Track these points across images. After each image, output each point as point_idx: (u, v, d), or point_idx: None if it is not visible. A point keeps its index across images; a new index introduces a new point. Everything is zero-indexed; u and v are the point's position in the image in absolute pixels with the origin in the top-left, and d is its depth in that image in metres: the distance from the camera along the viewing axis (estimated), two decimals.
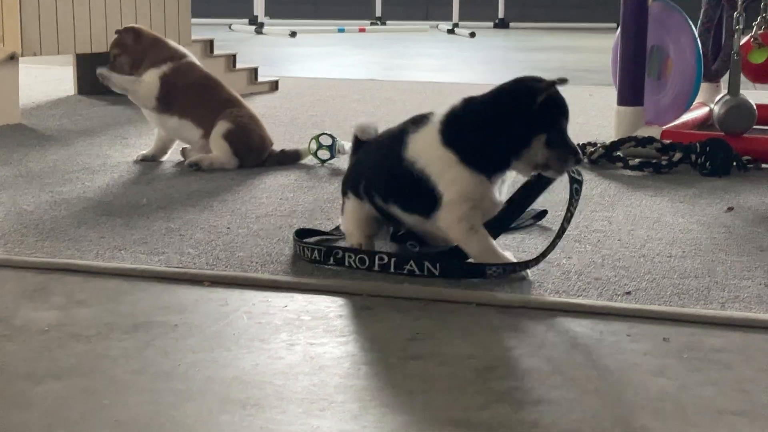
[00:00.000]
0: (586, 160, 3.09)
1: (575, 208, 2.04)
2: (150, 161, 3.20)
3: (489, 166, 1.99)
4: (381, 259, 2.03)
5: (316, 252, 2.08)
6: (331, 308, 1.87)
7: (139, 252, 2.18)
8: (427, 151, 2.01)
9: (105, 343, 1.68)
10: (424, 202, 2.02)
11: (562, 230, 2.03)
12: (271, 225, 2.41)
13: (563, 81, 1.96)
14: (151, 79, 3.14)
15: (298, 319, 1.81)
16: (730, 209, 2.60)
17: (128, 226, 2.39)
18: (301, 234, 2.20)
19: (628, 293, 1.93)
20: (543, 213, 2.43)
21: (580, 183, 2.03)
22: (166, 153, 3.24)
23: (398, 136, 2.08)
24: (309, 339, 1.71)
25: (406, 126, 2.09)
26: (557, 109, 1.97)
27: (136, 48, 3.17)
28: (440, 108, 2.06)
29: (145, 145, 3.37)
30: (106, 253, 2.17)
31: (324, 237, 2.26)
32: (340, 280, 1.99)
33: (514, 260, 2.02)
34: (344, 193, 2.21)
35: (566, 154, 1.96)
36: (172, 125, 3.17)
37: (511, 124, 1.96)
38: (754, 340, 1.72)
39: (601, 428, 1.39)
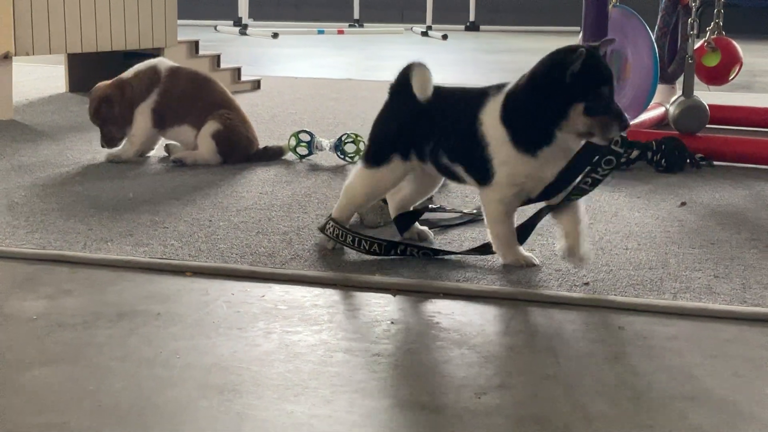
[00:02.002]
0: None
1: (601, 177, 1.94)
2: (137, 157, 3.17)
3: (533, 144, 1.92)
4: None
5: (375, 245, 2.06)
6: (306, 298, 1.86)
7: (125, 243, 2.16)
8: (489, 121, 1.96)
9: (91, 332, 1.67)
10: (480, 169, 1.99)
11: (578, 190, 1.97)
12: (251, 218, 2.40)
13: (610, 41, 1.88)
14: (143, 114, 3.09)
15: (274, 308, 1.80)
16: (683, 204, 2.61)
17: (115, 218, 2.38)
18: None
19: (587, 284, 1.93)
20: None
21: (618, 156, 1.91)
22: (152, 149, 3.22)
23: (478, 98, 2.00)
24: (285, 327, 1.70)
25: (490, 89, 2.00)
26: (594, 77, 1.86)
27: (113, 114, 3.08)
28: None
29: None
30: (94, 244, 2.15)
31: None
32: (315, 272, 1.99)
33: (524, 255, 2.02)
34: (390, 155, 2.08)
35: (609, 120, 1.86)
36: (171, 134, 3.14)
37: (546, 97, 1.88)
38: (704, 328, 1.73)
39: (560, 413, 1.39)
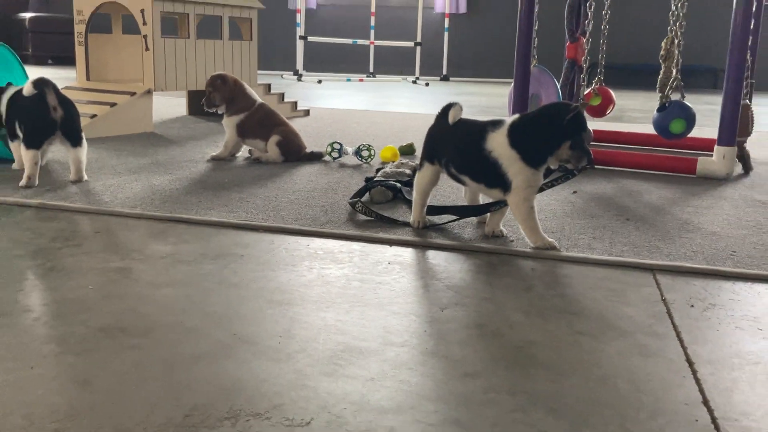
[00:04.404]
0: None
1: (557, 184, 1.95)
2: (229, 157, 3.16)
3: (537, 162, 1.79)
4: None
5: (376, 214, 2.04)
6: (336, 246, 1.86)
7: (222, 210, 2.16)
8: (500, 147, 1.80)
9: (199, 266, 1.67)
10: (493, 179, 1.84)
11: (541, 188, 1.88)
12: (302, 196, 2.39)
13: (584, 105, 1.79)
14: (231, 127, 3.06)
15: (315, 253, 1.80)
16: (574, 192, 2.60)
17: (215, 195, 2.37)
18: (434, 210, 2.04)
19: (512, 241, 1.92)
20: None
21: (574, 175, 1.90)
22: (238, 152, 3.21)
23: (480, 132, 1.84)
24: (321, 265, 1.70)
25: (486, 125, 1.84)
26: (579, 125, 1.76)
27: (223, 89, 3.07)
28: (508, 118, 1.84)
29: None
30: (202, 211, 2.15)
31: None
32: (341, 231, 1.98)
33: (549, 241, 1.84)
34: (423, 162, 1.99)
35: (582, 156, 1.77)
36: (249, 142, 3.13)
37: (549, 133, 1.76)
38: (585, 270, 1.73)
39: (493, 322, 1.39)
